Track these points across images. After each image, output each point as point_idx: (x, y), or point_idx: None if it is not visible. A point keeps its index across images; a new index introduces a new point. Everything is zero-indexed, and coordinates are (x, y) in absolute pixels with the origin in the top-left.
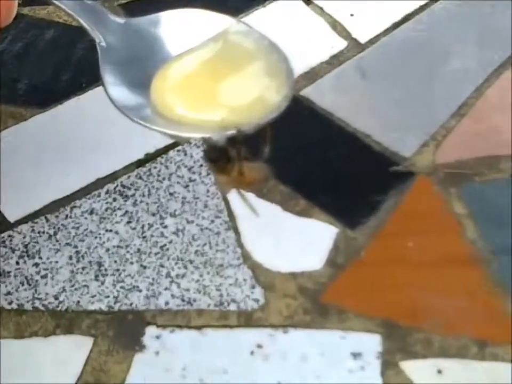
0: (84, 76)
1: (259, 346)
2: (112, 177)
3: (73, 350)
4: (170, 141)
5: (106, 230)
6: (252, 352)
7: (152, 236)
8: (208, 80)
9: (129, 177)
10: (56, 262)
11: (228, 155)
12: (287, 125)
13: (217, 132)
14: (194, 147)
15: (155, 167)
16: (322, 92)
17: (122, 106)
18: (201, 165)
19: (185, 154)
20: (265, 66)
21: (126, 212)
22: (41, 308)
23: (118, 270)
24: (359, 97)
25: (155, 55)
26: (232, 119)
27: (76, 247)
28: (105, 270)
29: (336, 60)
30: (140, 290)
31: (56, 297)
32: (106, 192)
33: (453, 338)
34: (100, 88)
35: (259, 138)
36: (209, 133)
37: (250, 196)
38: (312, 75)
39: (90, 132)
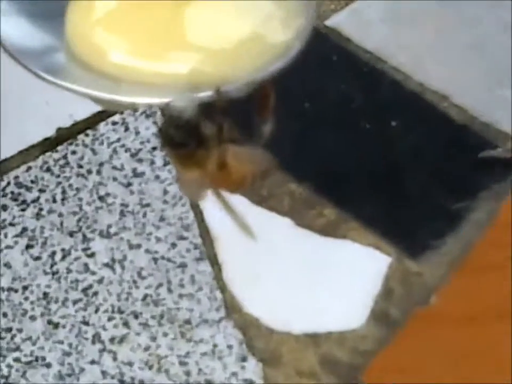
0: None
1: None
2: (0, 168)
3: None
4: (98, 108)
5: None
6: None
7: (69, 270)
8: (164, 9)
9: (28, 169)
10: None
11: (200, 135)
12: (300, 82)
13: (182, 93)
14: (142, 117)
15: (73, 152)
16: (366, 22)
17: (16, 50)
18: (153, 148)
19: (126, 130)
20: None
21: (24, 229)
22: None
23: (9, 330)
24: (429, 32)
25: None
26: (207, 71)
27: None
28: None
29: None
30: (48, 365)
31: None
32: None
33: None
34: None
35: (254, 107)
36: (168, 96)
37: (240, 202)
38: None
39: None
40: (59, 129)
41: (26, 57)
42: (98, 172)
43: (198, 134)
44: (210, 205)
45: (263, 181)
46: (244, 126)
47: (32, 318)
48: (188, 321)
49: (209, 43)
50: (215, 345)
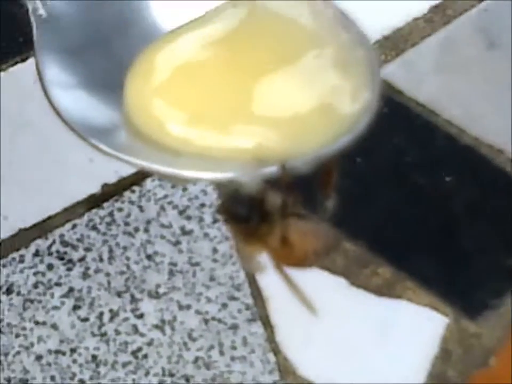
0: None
1: None
2: (44, 226)
3: None
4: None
5: (36, 323)
6: None
7: (117, 332)
8: (229, 76)
9: (74, 226)
10: None
11: (263, 210)
12: (357, 146)
13: (246, 169)
14: None
15: (120, 209)
16: (417, 73)
17: (76, 124)
18: (202, 205)
19: (173, 186)
20: (330, 54)
21: (71, 289)
22: None
23: None
24: (484, 83)
25: (132, 32)
26: (273, 146)
27: None
28: None
29: (439, 14)
30: None
31: None
32: (35, 254)
33: None
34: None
35: (317, 182)
36: (231, 171)
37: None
38: (394, 42)
39: (11, 144)
40: (104, 186)
41: (86, 130)
42: (146, 230)
43: (261, 209)
44: (269, 277)
45: (327, 257)
46: (307, 201)
47: (81, 381)
48: None
49: (276, 115)
50: None
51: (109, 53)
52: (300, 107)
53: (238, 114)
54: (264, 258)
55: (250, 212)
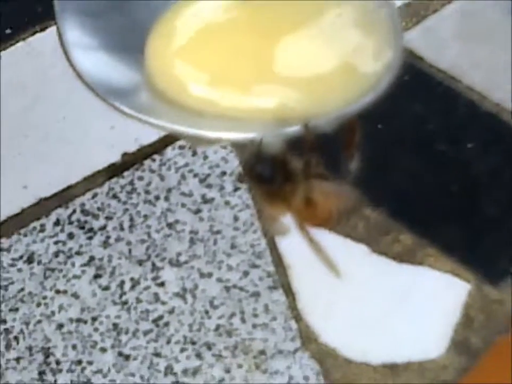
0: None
1: None
2: (65, 195)
3: None
4: (164, 132)
5: (57, 292)
6: None
7: (138, 300)
8: (249, 38)
9: (94, 195)
10: None
11: (286, 170)
12: (378, 112)
13: (269, 129)
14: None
15: (140, 178)
16: (438, 40)
17: (98, 86)
18: (223, 173)
19: (194, 154)
20: (352, 13)
21: (91, 258)
22: None
23: (79, 362)
24: (504, 49)
25: None
26: (295, 105)
27: (3, 322)
28: (56, 362)
29: None
30: None
31: None
32: (56, 223)
33: None
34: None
35: (340, 142)
36: (254, 131)
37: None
38: (415, 9)
39: (25, 118)
40: (124, 155)
41: (107, 92)
42: (166, 198)
43: (284, 170)
44: (291, 239)
45: (349, 217)
46: (330, 161)
47: (102, 350)
48: (262, 352)
49: (297, 75)
50: (291, 377)
51: (130, 15)
52: (322, 66)
53: (259, 75)
54: (287, 220)
55: (273, 172)
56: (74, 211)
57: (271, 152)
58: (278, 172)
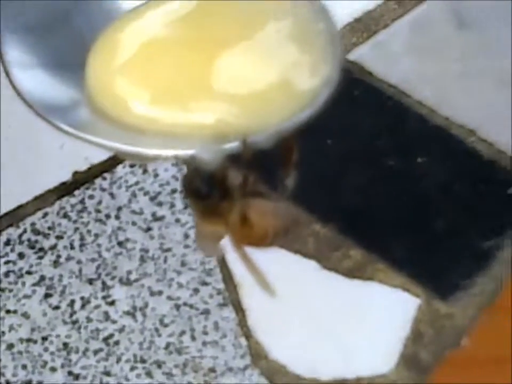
0: None
1: None
2: (16, 215)
3: None
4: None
5: (7, 312)
6: None
7: (89, 319)
8: (190, 53)
9: (45, 215)
10: None
11: (224, 187)
12: (322, 117)
13: (208, 145)
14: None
15: (91, 196)
16: (389, 55)
17: (38, 104)
18: (173, 191)
19: (144, 172)
20: (290, 28)
21: (42, 278)
22: None
23: (29, 382)
24: (454, 64)
25: (93, 11)
26: (234, 121)
27: None
28: (6, 383)
29: None
30: None
31: None
32: (6, 243)
33: None
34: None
35: (280, 158)
36: (193, 147)
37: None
38: (366, 24)
39: None
40: (75, 173)
41: (47, 110)
42: (117, 217)
43: (222, 186)
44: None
45: (286, 236)
46: (267, 179)
47: (52, 369)
48: (212, 370)
49: (236, 91)
50: None
51: (70, 32)
52: (259, 82)
53: (198, 91)
54: (222, 241)
55: (211, 189)
56: (25, 230)
57: (209, 168)
58: (216, 188)
